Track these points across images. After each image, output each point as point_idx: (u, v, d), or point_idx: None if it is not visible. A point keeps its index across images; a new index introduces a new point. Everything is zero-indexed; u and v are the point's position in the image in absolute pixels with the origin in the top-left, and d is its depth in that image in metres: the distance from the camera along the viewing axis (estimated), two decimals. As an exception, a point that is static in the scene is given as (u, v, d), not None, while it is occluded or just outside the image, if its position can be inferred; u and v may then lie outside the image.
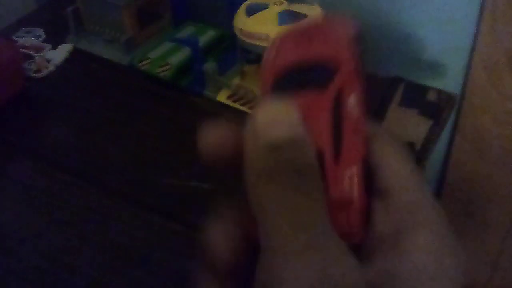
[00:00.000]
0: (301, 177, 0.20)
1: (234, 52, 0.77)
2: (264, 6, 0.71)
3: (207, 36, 0.84)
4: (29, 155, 0.71)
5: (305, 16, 0.69)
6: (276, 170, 0.20)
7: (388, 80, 0.77)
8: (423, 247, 0.21)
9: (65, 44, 0.89)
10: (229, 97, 0.76)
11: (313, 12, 0.70)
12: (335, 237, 0.20)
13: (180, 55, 0.80)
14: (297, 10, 0.70)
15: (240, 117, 0.73)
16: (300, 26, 0.25)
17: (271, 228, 0.20)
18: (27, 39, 0.91)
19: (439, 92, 0.74)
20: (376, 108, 0.73)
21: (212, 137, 0.24)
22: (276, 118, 0.20)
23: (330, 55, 0.23)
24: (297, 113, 0.20)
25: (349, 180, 0.22)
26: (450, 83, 0.90)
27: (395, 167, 0.23)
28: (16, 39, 0.91)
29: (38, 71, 0.85)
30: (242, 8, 0.71)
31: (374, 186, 0.23)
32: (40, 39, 0.91)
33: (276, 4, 0.70)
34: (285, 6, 0.70)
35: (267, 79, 0.24)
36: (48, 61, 0.86)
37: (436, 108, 0.72)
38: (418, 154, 0.65)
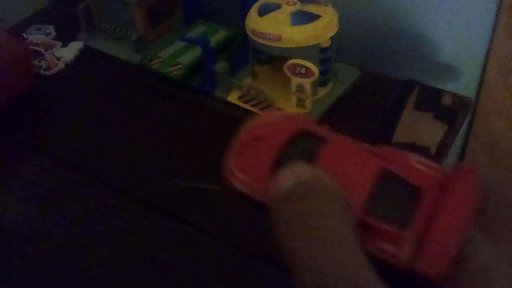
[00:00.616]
0: (328, 204, 0.21)
1: (245, 52, 0.76)
2: (277, 6, 0.69)
3: (218, 36, 0.83)
4: (37, 153, 0.71)
5: (318, 16, 0.68)
6: (290, 216, 0.21)
7: (403, 82, 0.76)
8: None
9: (75, 42, 0.89)
10: (239, 98, 0.75)
11: (326, 12, 0.68)
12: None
13: (191, 55, 0.79)
14: (310, 11, 0.68)
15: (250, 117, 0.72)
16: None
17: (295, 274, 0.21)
18: (38, 36, 0.91)
19: (454, 96, 0.73)
20: (390, 110, 0.71)
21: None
22: (291, 171, 0.22)
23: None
24: (312, 168, 0.22)
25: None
26: (465, 86, 0.89)
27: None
28: (26, 36, 0.90)
29: (48, 68, 0.84)
30: (254, 8, 0.70)
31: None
32: (50, 36, 0.91)
33: (288, 4, 0.69)
34: (298, 6, 0.69)
35: None
36: (58, 58, 0.86)
37: (451, 112, 0.70)
38: (433, 159, 0.64)
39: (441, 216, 0.21)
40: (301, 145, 0.25)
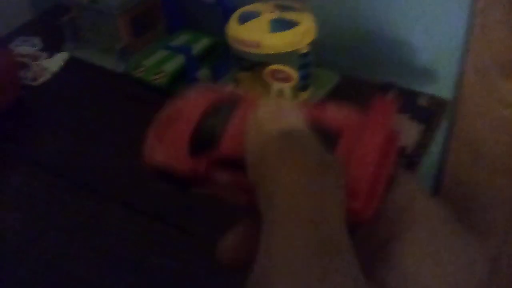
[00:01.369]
0: (315, 161, 0.18)
1: (227, 59, 0.78)
2: (257, 14, 0.71)
3: (201, 44, 0.85)
4: (25, 162, 0.72)
5: (296, 23, 0.70)
6: (289, 153, 0.19)
7: (380, 85, 0.78)
8: (411, 253, 0.20)
9: (61, 53, 0.90)
10: (222, 104, 0.76)
11: (305, 19, 0.71)
12: (343, 241, 0.18)
13: (175, 63, 0.81)
14: (288, 18, 0.70)
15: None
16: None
17: (273, 237, 0.18)
18: (24, 47, 0.92)
19: (431, 97, 0.75)
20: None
21: (230, 244, 0.24)
22: (284, 111, 0.20)
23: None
24: (302, 112, 0.20)
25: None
26: (443, 88, 0.91)
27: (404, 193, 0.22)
28: (13, 47, 0.92)
29: (34, 79, 0.86)
30: (235, 16, 0.72)
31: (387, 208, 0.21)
32: (36, 47, 0.92)
33: (268, 12, 0.71)
34: (277, 14, 0.71)
35: None
36: (44, 69, 0.87)
37: (428, 113, 0.72)
38: (410, 158, 0.66)
39: (354, 152, 0.21)
40: (217, 109, 0.24)
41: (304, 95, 0.76)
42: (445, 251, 0.20)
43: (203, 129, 0.24)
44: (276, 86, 0.69)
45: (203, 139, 0.24)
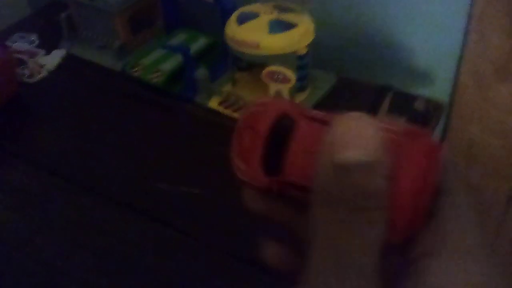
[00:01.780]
0: (359, 208, 0.19)
1: (225, 59, 0.78)
2: (255, 15, 0.72)
3: (199, 44, 0.85)
4: (21, 159, 0.72)
5: (295, 25, 0.70)
6: (333, 194, 0.19)
7: (377, 88, 0.78)
8: (444, 272, 0.20)
9: (58, 50, 0.90)
10: (220, 104, 0.77)
11: (303, 21, 0.71)
12: (371, 271, 0.19)
13: (172, 62, 0.81)
14: (287, 19, 0.71)
15: (231, 124, 0.74)
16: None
17: (312, 260, 0.20)
18: (21, 44, 0.92)
19: (427, 100, 0.75)
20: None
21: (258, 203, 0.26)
22: (360, 136, 0.19)
23: None
24: (379, 133, 0.19)
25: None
26: (439, 91, 0.91)
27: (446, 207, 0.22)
28: (10, 44, 0.91)
29: (31, 76, 0.85)
30: (234, 17, 0.72)
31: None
32: (33, 44, 0.92)
33: (266, 13, 0.71)
34: (275, 15, 0.71)
35: None
36: (41, 66, 0.87)
37: (424, 116, 0.73)
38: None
39: (395, 182, 0.21)
40: (280, 129, 0.25)
41: (302, 96, 0.77)
42: (478, 276, 0.20)
43: (270, 149, 0.26)
44: (273, 87, 0.70)
45: (270, 159, 0.26)
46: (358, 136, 0.19)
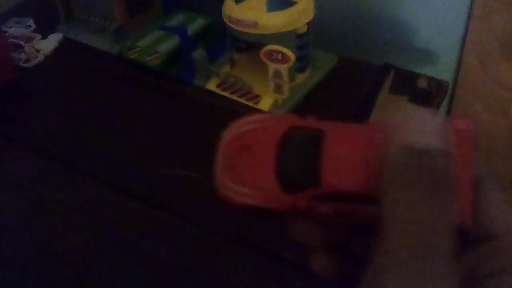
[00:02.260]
0: (437, 189, 0.20)
1: (224, 40, 0.77)
2: (253, -7, 0.70)
3: (196, 25, 0.83)
4: (18, 144, 0.71)
5: (294, 2, 0.68)
6: (413, 176, 0.20)
7: (379, 67, 0.77)
8: None
9: (55, 34, 0.89)
10: (218, 86, 0.75)
11: (302, -2, 0.69)
12: (451, 269, 0.20)
13: (169, 44, 0.80)
14: (286, -3, 0.69)
15: (230, 106, 0.73)
16: None
17: (389, 243, 0.20)
18: (17, 29, 0.91)
19: (430, 79, 0.74)
20: (366, 95, 0.72)
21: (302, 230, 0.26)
22: (425, 126, 0.20)
23: None
24: (446, 127, 0.21)
25: None
26: (442, 70, 0.90)
27: (502, 215, 0.23)
28: (5, 29, 0.90)
29: (27, 60, 0.84)
30: (231, -5, 0.71)
31: (479, 231, 0.23)
32: (30, 29, 0.91)
33: (264, -9, 0.70)
34: (274, -7, 0.70)
35: None
36: (38, 50, 0.86)
37: (427, 95, 0.71)
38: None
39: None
40: (297, 141, 0.24)
41: (302, 76, 0.75)
42: None
43: (288, 164, 0.24)
44: (272, 67, 0.68)
45: (291, 175, 0.24)
46: (432, 126, 0.20)
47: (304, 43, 0.72)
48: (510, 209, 0.23)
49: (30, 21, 0.92)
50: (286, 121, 0.25)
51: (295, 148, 0.24)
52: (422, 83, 0.73)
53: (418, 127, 0.20)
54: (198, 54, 0.74)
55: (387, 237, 0.20)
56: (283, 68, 0.67)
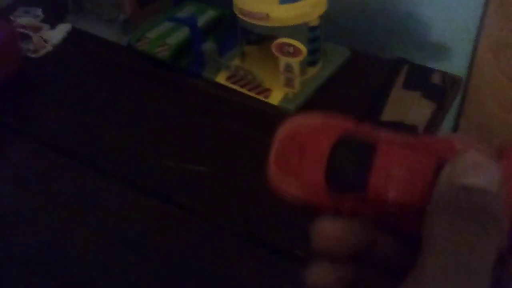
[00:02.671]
0: (481, 225, 0.21)
1: (234, 32, 0.76)
2: (265, -15, 0.69)
3: (206, 16, 0.82)
4: (25, 135, 0.70)
5: (306, -5, 0.67)
6: (459, 207, 0.21)
7: (392, 62, 0.75)
8: None
9: (63, 24, 0.88)
10: (228, 79, 0.74)
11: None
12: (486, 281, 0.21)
13: (179, 35, 0.79)
14: (298, -11, 0.68)
15: (240, 99, 0.72)
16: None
17: (424, 274, 0.21)
18: (25, 18, 0.90)
19: (444, 74, 0.72)
20: (379, 89, 0.71)
21: (332, 232, 0.25)
22: (479, 166, 0.21)
23: None
24: (498, 169, 0.21)
25: None
26: (456, 65, 0.88)
27: None
28: (14, 18, 0.89)
29: (35, 51, 0.83)
30: (242, -13, 0.69)
31: None
32: (38, 18, 0.90)
33: (277, -17, 0.68)
34: (286, -16, 0.68)
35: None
36: (46, 41, 0.85)
37: (440, 91, 0.70)
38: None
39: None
40: (351, 146, 0.25)
41: (313, 70, 0.74)
42: None
43: (337, 165, 0.25)
44: (284, 60, 0.67)
45: (340, 177, 0.25)
46: (485, 165, 0.22)
47: (316, 36, 0.71)
48: None
49: (39, 11, 0.91)
50: (343, 125, 0.26)
51: (347, 153, 0.25)
52: (436, 79, 0.72)
53: (471, 165, 0.22)
54: (208, 46, 0.73)
55: (424, 267, 0.21)
56: (295, 62, 0.66)
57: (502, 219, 0.21)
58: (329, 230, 0.25)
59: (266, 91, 0.72)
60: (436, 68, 0.74)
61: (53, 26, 0.87)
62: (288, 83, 0.69)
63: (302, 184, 0.25)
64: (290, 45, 0.65)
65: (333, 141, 0.25)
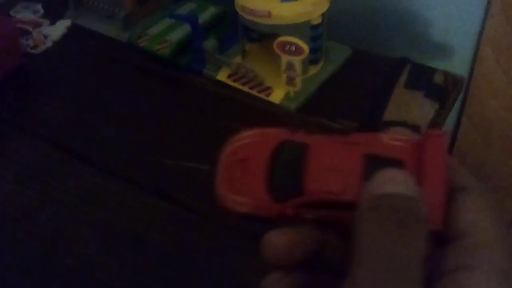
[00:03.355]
0: (406, 227, 0.22)
1: (235, 30, 0.75)
2: (267, -18, 0.68)
3: (207, 13, 0.81)
4: (24, 132, 0.70)
5: (308, -7, 0.66)
6: (382, 211, 0.22)
7: (394, 61, 0.75)
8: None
9: (63, 20, 0.87)
10: (229, 76, 0.74)
11: (317, -12, 0.67)
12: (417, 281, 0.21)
13: (180, 32, 0.78)
14: (300, -13, 0.67)
15: (241, 97, 0.71)
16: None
17: (359, 276, 0.22)
18: (25, 14, 0.89)
19: (446, 74, 0.72)
20: (381, 89, 0.70)
21: (280, 243, 0.27)
22: (396, 178, 0.23)
23: None
24: (414, 181, 0.23)
25: None
26: (457, 65, 0.88)
27: (474, 218, 0.24)
28: (13, 14, 0.89)
29: (35, 47, 0.83)
30: (244, -16, 0.69)
31: (452, 228, 0.24)
32: (38, 14, 0.89)
33: (279, -20, 0.68)
34: (288, -18, 0.68)
35: None
36: (46, 37, 0.84)
37: (443, 91, 0.69)
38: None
39: (425, 178, 0.24)
40: (286, 154, 0.27)
41: (315, 69, 0.74)
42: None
43: (277, 174, 0.27)
44: (285, 59, 0.66)
45: (280, 185, 0.26)
46: (403, 177, 0.23)
47: (318, 34, 0.70)
48: (483, 213, 0.24)
49: (39, 7, 0.90)
50: (278, 135, 0.28)
51: (284, 161, 0.27)
52: (438, 78, 0.71)
53: (389, 178, 0.23)
54: (209, 43, 0.73)
55: (356, 269, 0.22)
56: (297, 60, 0.66)
57: (425, 219, 0.22)
58: (276, 243, 0.27)
59: (267, 89, 0.71)
60: (439, 68, 0.73)
61: (53, 22, 0.87)
62: (290, 81, 0.69)
63: (247, 200, 0.27)
64: (292, 43, 0.65)
65: (270, 152, 0.27)
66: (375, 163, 0.25)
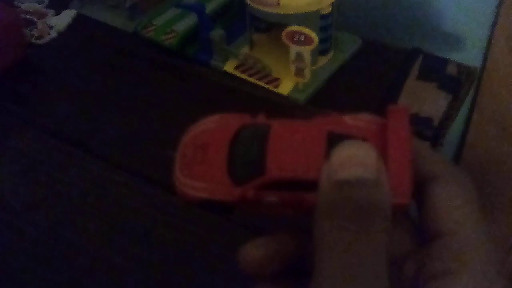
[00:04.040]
0: (362, 223, 0.20)
1: (243, 19, 0.74)
2: (275, -29, 0.66)
3: (214, 2, 0.80)
4: (29, 124, 0.69)
5: (318, -19, 0.65)
6: (337, 207, 0.20)
7: (406, 52, 0.73)
8: None
9: (68, 10, 0.86)
10: (236, 67, 0.72)
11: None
12: (382, 276, 0.21)
13: (187, 22, 0.77)
14: (310, -25, 0.65)
15: (248, 89, 0.70)
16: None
17: (320, 270, 0.21)
18: (30, 4, 0.88)
19: (459, 65, 0.70)
20: (392, 80, 0.69)
21: (258, 255, 0.27)
22: (354, 157, 0.21)
23: None
24: (377, 156, 0.21)
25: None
26: (470, 56, 0.86)
27: (453, 215, 0.23)
28: (18, 4, 0.88)
29: (40, 37, 0.82)
30: (252, -27, 0.67)
31: (431, 226, 0.24)
32: (43, 4, 0.88)
33: (288, -32, 0.66)
34: (297, -30, 0.66)
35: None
36: (51, 27, 0.83)
37: (456, 82, 0.68)
38: (436, 131, 0.61)
39: (390, 152, 0.23)
40: (247, 137, 0.26)
41: (324, 59, 0.72)
42: None
43: (238, 157, 0.26)
44: (294, 49, 0.65)
45: (241, 168, 0.26)
46: (359, 157, 0.21)
47: (327, 24, 0.68)
48: (462, 209, 0.23)
49: (44, -4, 0.89)
50: (238, 120, 0.28)
51: (245, 144, 0.26)
52: (451, 70, 0.69)
53: (346, 157, 0.21)
54: (216, 33, 0.71)
55: (318, 266, 0.21)
56: (306, 51, 0.64)
57: (387, 207, 0.21)
58: (254, 255, 0.27)
59: (276, 80, 0.70)
60: (452, 59, 0.72)
61: (58, 12, 0.86)
62: (299, 72, 0.67)
63: (207, 185, 0.26)
64: (301, 33, 0.63)
65: (230, 136, 0.27)
66: (339, 141, 0.24)
